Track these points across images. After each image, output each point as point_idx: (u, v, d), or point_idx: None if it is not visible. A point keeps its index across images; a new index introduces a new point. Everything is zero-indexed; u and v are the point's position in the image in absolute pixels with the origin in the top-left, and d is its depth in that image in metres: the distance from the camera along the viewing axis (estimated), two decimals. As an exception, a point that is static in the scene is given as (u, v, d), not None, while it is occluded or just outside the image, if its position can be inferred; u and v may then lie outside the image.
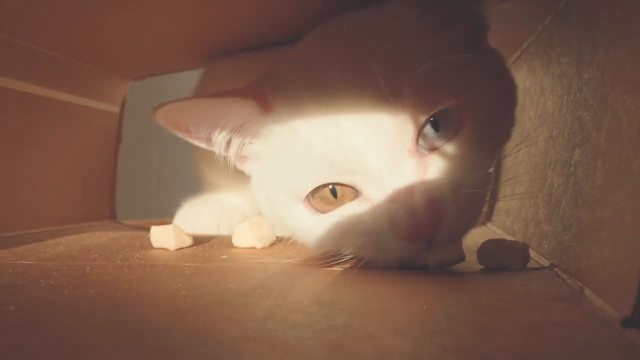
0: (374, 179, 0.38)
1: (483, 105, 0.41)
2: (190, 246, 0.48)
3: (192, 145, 0.44)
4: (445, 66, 0.38)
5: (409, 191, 0.37)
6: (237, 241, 0.48)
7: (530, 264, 0.42)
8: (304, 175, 0.41)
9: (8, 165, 0.63)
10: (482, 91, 0.41)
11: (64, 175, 0.74)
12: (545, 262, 0.42)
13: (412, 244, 0.38)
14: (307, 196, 0.41)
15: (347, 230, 0.40)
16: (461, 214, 0.38)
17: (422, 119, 0.38)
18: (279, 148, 0.42)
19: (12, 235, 0.62)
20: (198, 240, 0.51)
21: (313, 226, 0.41)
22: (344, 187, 0.40)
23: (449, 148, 0.39)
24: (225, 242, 0.51)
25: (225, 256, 0.45)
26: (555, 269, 0.40)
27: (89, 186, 0.80)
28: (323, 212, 0.41)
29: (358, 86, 0.39)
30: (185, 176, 1.21)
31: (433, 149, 0.39)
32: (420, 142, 0.39)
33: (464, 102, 0.39)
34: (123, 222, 0.84)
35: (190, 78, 0.83)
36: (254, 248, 0.47)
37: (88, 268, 0.41)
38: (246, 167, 0.46)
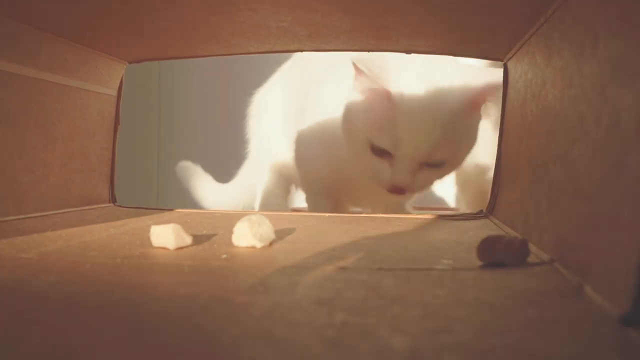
0: None
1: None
2: (190, 245, 0.48)
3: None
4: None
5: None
6: (236, 241, 0.48)
7: (531, 258, 0.42)
8: None
9: (7, 149, 0.63)
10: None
11: (63, 158, 0.74)
12: (545, 256, 0.42)
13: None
14: None
15: None
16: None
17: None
18: None
19: (14, 220, 0.62)
20: (198, 240, 0.51)
21: None
22: None
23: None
24: (225, 241, 0.50)
25: (224, 255, 0.45)
26: (555, 264, 0.40)
27: (89, 169, 0.80)
28: None
29: None
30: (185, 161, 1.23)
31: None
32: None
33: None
34: (123, 206, 0.84)
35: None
36: (254, 247, 0.47)
37: (88, 265, 0.41)
38: None
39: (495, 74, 0.73)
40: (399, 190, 0.70)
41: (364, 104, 0.73)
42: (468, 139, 0.73)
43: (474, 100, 0.70)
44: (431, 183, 0.73)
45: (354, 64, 0.71)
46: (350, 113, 0.75)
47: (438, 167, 0.71)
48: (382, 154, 0.71)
